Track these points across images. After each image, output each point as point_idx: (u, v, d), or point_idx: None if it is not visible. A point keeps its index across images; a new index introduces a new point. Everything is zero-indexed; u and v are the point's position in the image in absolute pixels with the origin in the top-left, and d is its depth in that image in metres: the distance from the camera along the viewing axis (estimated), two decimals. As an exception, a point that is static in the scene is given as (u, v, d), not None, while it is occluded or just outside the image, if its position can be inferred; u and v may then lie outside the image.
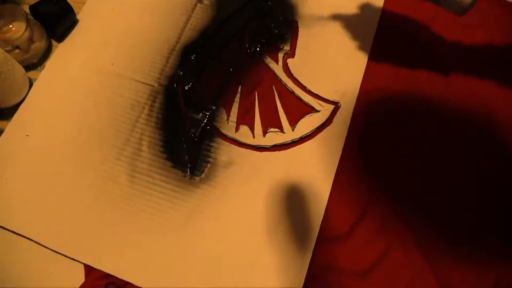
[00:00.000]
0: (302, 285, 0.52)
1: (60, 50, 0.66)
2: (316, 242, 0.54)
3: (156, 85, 0.63)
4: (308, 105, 0.61)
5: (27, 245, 0.54)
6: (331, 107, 0.61)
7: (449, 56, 0.64)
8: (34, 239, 0.54)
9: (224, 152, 0.59)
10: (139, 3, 0.69)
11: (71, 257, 0.53)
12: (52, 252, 0.54)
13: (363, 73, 0.62)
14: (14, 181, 0.58)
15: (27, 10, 0.65)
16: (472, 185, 0.57)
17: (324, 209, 0.55)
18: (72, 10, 0.66)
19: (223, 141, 0.59)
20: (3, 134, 0.60)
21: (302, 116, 0.60)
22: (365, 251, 0.54)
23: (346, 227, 0.55)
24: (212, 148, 0.59)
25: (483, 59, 0.64)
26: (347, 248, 0.54)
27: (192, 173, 0.58)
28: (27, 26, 0.61)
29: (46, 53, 0.66)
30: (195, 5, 0.69)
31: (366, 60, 0.63)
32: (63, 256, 0.53)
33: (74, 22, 0.68)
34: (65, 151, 0.59)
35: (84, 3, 0.69)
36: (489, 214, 0.56)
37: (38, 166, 0.58)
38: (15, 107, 0.62)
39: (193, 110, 0.61)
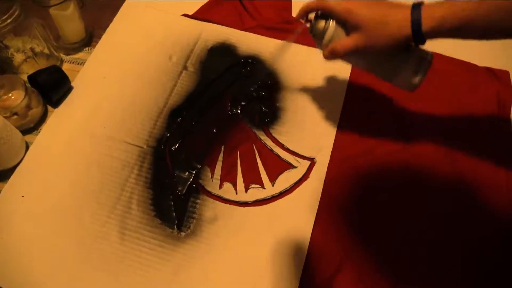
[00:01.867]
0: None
1: (55, 115, 0.71)
2: (299, 290, 0.56)
3: (145, 146, 0.67)
4: (286, 162, 0.66)
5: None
6: (307, 163, 0.65)
7: (418, 113, 0.69)
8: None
9: (209, 208, 0.62)
10: (129, 71, 0.75)
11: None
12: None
13: (336, 129, 0.68)
14: (10, 241, 0.60)
15: (25, 79, 0.70)
16: (451, 239, 0.60)
17: (303, 260, 0.58)
18: (67, 78, 0.71)
19: (208, 198, 0.63)
20: (0, 195, 0.63)
21: (281, 172, 0.65)
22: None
23: (325, 277, 0.57)
24: (198, 205, 0.63)
25: (447, 116, 0.69)
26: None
27: (179, 229, 0.61)
28: (26, 94, 0.66)
29: (42, 118, 0.71)
30: (181, 72, 0.75)
31: (339, 118, 0.69)
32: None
33: (69, 89, 0.73)
34: (59, 211, 0.62)
35: (78, 71, 0.75)
36: (469, 268, 0.58)
37: (33, 226, 0.61)
38: (12, 169, 0.65)
39: (180, 169, 0.65)
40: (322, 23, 0.54)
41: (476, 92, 0.72)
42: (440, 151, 0.66)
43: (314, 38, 0.56)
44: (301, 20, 0.56)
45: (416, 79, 0.54)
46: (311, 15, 0.55)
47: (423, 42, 0.49)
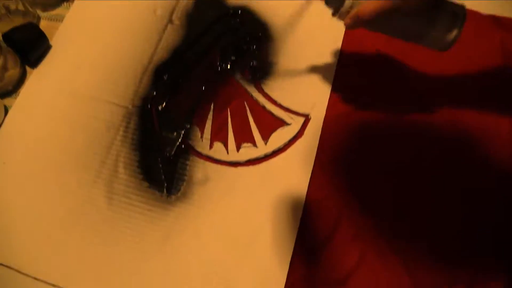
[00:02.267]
0: (280, 297, 0.53)
1: (35, 76, 0.67)
2: (293, 253, 0.55)
3: (130, 106, 0.64)
4: (279, 119, 0.62)
5: (6, 273, 0.54)
6: (301, 119, 0.62)
7: (416, 69, 0.65)
8: (12, 267, 0.54)
9: (200, 169, 0.60)
10: (110, 27, 0.70)
11: (52, 283, 0.54)
12: (33, 279, 0.54)
13: (331, 84, 0.64)
14: (-7, 209, 0.58)
15: (0, 38, 0.66)
16: (449, 192, 0.58)
17: (299, 220, 0.56)
18: (45, 36, 0.67)
19: (198, 159, 0.61)
20: (-21, 163, 0.61)
21: (274, 129, 0.62)
22: (342, 259, 0.55)
23: (322, 236, 0.56)
24: (188, 166, 0.60)
25: (449, 69, 0.65)
26: (324, 257, 0.55)
27: (169, 192, 0.59)
28: (1, 54, 0.62)
29: (21, 80, 0.67)
30: (166, 25, 0.70)
31: (334, 72, 0.65)
32: (43, 283, 0.54)
33: (48, 47, 0.69)
34: (43, 177, 0.60)
35: (56, 28, 0.70)
36: (466, 221, 0.57)
37: (16, 193, 0.59)
38: (-9, 135, 0.62)
39: (167, 129, 0.62)
40: None
41: (479, 41, 0.67)
42: (440, 103, 0.63)
43: (329, 4, 0.50)
44: None
45: (450, 37, 0.48)
46: None
47: None
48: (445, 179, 0.59)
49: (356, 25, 0.48)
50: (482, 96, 0.64)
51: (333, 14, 0.50)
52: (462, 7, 0.49)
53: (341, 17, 0.49)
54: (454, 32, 0.48)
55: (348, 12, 0.48)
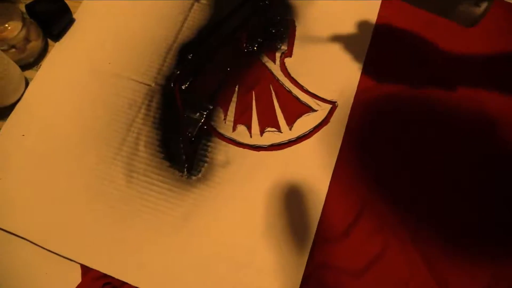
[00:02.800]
0: (299, 285, 0.52)
1: (57, 50, 0.66)
2: (313, 241, 0.54)
3: (153, 84, 0.63)
4: (305, 105, 0.61)
5: (23, 246, 0.54)
6: (328, 106, 0.61)
7: (446, 58, 0.64)
8: (30, 239, 0.54)
9: (222, 151, 0.59)
10: (136, 3, 0.69)
11: (68, 257, 0.53)
12: (48, 252, 0.53)
13: (360, 72, 0.63)
14: (10, 182, 0.57)
15: (23, 9, 0.65)
16: (471, 185, 0.57)
17: (321, 208, 0.55)
18: (69, 9, 0.66)
19: (220, 141, 0.59)
20: (-1, 134, 0.60)
21: (299, 115, 0.60)
22: (362, 250, 0.54)
23: (343, 226, 0.55)
24: (209, 148, 0.59)
25: (480, 60, 0.64)
26: (344, 247, 0.54)
27: (190, 173, 0.57)
28: (23, 25, 0.61)
29: (43, 53, 0.66)
30: (192, 4, 0.68)
31: (364, 59, 0.63)
32: (59, 257, 0.53)
33: (71, 21, 0.67)
34: (62, 151, 0.59)
35: (80, 2, 0.69)
36: (487, 214, 0.56)
37: (34, 166, 0.58)
38: (11, 107, 0.61)
39: (190, 109, 0.61)
40: None
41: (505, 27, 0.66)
42: (468, 94, 0.62)
43: None
44: None
45: (478, 11, 0.46)
46: None
47: None
48: (473, 171, 0.58)
49: None
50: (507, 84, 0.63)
51: None
52: None
53: None
54: (483, 6, 0.46)
55: None
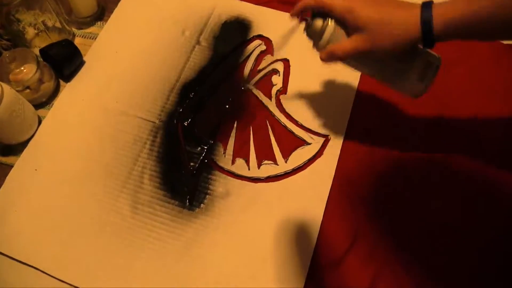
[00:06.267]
0: (296, 311, 0.53)
1: (68, 90, 0.70)
2: (308, 270, 0.55)
3: (157, 121, 0.67)
4: (300, 139, 0.65)
5: (35, 275, 0.56)
6: (321, 139, 0.64)
7: (440, 94, 0.65)
8: (40, 269, 0.56)
9: (221, 184, 0.62)
10: (141, 46, 0.74)
11: (76, 285, 0.55)
12: (57, 281, 0.56)
13: (351, 106, 0.66)
14: (23, 214, 0.60)
15: (37, 53, 0.70)
16: (465, 221, 0.58)
17: (316, 238, 0.57)
18: (79, 52, 0.71)
19: (220, 173, 0.63)
20: (13, 169, 0.63)
21: (294, 148, 0.64)
22: (356, 278, 0.55)
23: (337, 255, 0.56)
24: (210, 180, 0.62)
25: (467, 93, 0.67)
26: (339, 276, 0.55)
27: (191, 204, 0.60)
28: (37, 68, 0.66)
29: (55, 92, 0.71)
30: (194, 46, 0.73)
31: (354, 95, 0.67)
32: (67, 285, 0.56)
33: (81, 63, 0.72)
34: (72, 185, 0.62)
35: (90, 46, 0.74)
36: (483, 251, 0.56)
37: (46, 199, 0.61)
38: (25, 143, 0.65)
39: (192, 144, 0.65)
40: (319, 22, 0.48)
41: (499, 69, 0.69)
42: (461, 130, 0.64)
43: (310, 38, 0.51)
44: (295, 17, 0.51)
45: (421, 87, 0.49)
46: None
47: (433, 46, 0.44)
48: (464, 208, 0.59)
49: (330, 60, 0.49)
50: (503, 123, 0.65)
51: (313, 46, 0.51)
52: (438, 58, 0.49)
53: (319, 50, 0.50)
54: (425, 83, 0.49)
55: (324, 47, 0.49)
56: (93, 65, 0.72)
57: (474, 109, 0.65)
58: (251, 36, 0.74)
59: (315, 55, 0.68)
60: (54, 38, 0.74)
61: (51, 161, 0.64)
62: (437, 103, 0.66)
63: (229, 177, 0.62)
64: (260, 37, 0.74)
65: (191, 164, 0.63)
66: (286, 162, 0.63)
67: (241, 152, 0.64)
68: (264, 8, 0.77)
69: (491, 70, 0.69)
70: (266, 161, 0.63)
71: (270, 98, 0.68)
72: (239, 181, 0.62)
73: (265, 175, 0.62)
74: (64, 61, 0.70)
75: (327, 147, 0.64)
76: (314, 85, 0.69)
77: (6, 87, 0.60)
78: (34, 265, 0.57)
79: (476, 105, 0.66)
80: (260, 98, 0.68)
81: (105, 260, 0.57)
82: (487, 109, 0.65)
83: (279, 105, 0.68)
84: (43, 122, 0.67)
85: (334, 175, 0.61)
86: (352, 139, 0.64)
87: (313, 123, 0.66)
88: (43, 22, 0.72)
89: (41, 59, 0.69)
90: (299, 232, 0.58)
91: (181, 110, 0.67)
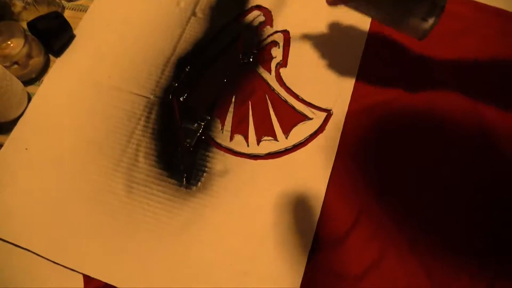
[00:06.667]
0: (297, 291, 0.52)
1: (58, 65, 0.67)
2: (311, 248, 0.54)
3: (152, 97, 0.64)
4: (301, 113, 0.62)
5: (26, 257, 0.55)
6: (323, 114, 0.62)
7: (441, 64, 0.64)
8: (33, 250, 0.55)
9: (219, 161, 0.60)
10: (134, 18, 0.70)
11: (70, 267, 0.54)
12: (51, 263, 0.54)
13: (354, 79, 0.64)
14: (14, 194, 0.58)
15: (25, 27, 0.66)
16: (470, 194, 0.57)
17: (318, 215, 0.56)
18: (69, 25, 0.68)
19: (218, 151, 0.60)
20: (2, 148, 0.61)
21: (295, 124, 0.61)
22: (360, 256, 0.54)
23: (340, 233, 0.55)
24: (208, 158, 0.60)
25: (472, 66, 0.64)
26: (342, 253, 0.54)
27: (188, 183, 0.58)
28: (25, 42, 0.63)
29: (44, 68, 0.68)
30: (189, 18, 0.70)
31: (357, 67, 0.64)
32: (62, 267, 0.54)
33: (71, 37, 0.69)
34: (64, 164, 0.60)
35: (80, 18, 0.71)
36: (486, 223, 0.56)
37: (37, 178, 0.59)
38: (14, 122, 0.63)
39: (188, 120, 0.62)
40: None
41: (505, 39, 0.66)
42: (463, 101, 0.62)
43: None
44: None
45: (426, 26, 0.49)
46: None
47: None
48: (469, 177, 0.58)
49: (336, 2, 0.49)
50: (505, 92, 0.63)
51: None
52: None
53: None
54: (430, 21, 0.48)
55: None
56: (84, 39, 0.69)
57: (482, 78, 0.64)
58: (249, 6, 0.70)
59: (315, 26, 0.66)
60: (43, 11, 0.70)
61: (42, 139, 0.62)
62: (446, 73, 0.63)
63: (227, 154, 0.60)
64: (258, 7, 0.70)
65: (188, 141, 0.61)
66: (286, 138, 0.61)
67: (239, 128, 0.62)
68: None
69: (499, 40, 0.66)
70: (265, 137, 0.61)
71: (269, 71, 0.65)
72: (238, 158, 0.60)
73: (265, 151, 0.60)
74: (53, 35, 0.66)
75: (329, 122, 0.61)
76: (315, 58, 0.66)
77: (-8, 62, 0.57)
78: (25, 246, 0.55)
79: (484, 74, 0.64)
80: (259, 72, 0.66)
81: (99, 241, 0.55)
82: (494, 77, 0.64)
83: (279, 79, 0.65)
84: (33, 99, 0.65)
85: (337, 151, 0.59)
86: (355, 113, 0.62)
87: (315, 97, 0.63)
88: (30, -6, 0.69)
89: (29, 33, 0.66)
90: (301, 211, 0.56)
91: (176, 84, 0.65)
